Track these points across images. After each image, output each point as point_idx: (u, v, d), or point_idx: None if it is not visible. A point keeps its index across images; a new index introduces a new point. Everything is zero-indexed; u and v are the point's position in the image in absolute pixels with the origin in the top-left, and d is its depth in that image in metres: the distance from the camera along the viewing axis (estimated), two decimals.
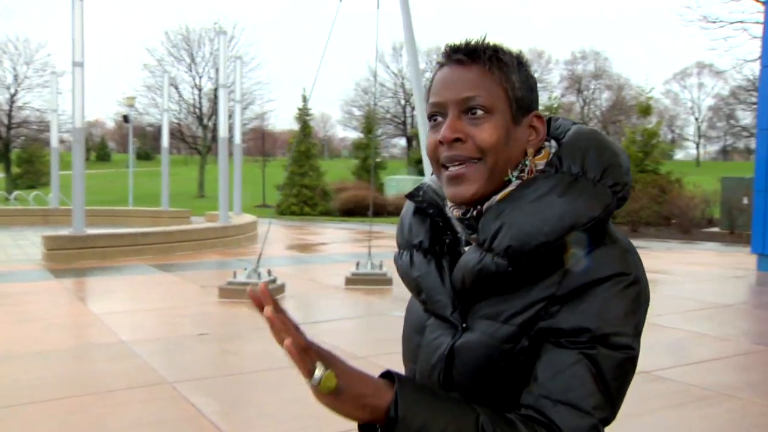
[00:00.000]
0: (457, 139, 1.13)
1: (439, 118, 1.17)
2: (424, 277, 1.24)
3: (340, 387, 0.97)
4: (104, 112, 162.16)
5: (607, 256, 1.08)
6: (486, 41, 1.18)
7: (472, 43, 1.17)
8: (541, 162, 1.17)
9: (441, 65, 1.19)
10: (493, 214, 1.12)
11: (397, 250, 1.34)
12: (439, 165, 1.18)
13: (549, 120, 1.25)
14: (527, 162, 1.16)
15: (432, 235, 1.27)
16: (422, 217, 1.29)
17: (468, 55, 1.15)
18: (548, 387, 1.06)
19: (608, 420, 1.07)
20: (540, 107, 1.22)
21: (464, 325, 1.17)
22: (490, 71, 1.14)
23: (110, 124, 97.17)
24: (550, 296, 1.08)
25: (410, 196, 1.32)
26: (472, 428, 1.01)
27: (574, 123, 1.23)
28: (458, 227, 1.24)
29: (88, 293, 9.89)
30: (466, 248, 1.22)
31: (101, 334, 7.04)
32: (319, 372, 0.96)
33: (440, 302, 1.21)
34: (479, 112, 1.13)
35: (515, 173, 1.15)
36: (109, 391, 5.13)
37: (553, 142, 1.20)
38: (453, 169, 1.15)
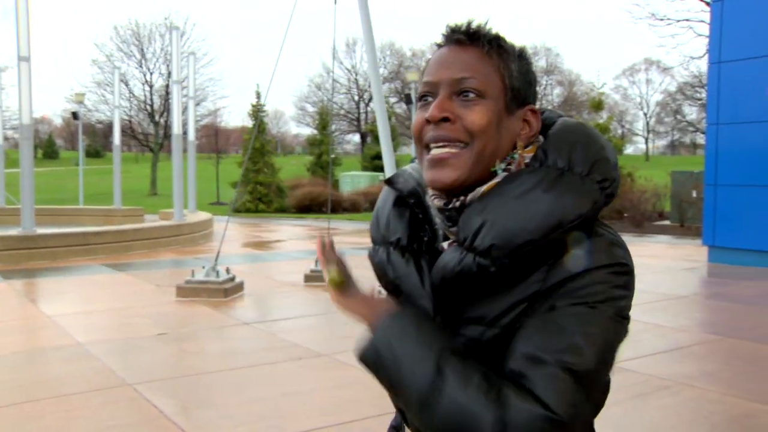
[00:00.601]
0: (445, 119, 1.08)
1: (430, 98, 1.12)
2: (404, 280, 1.18)
3: (346, 289, 1.20)
4: (51, 108, 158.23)
5: (595, 247, 1.04)
6: (488, 26, 1.13)
7: (474, 24, 1.12)
8: (528, 156, 1.12)
9: (439, 46, 1.15)
10: (475, 209, 1.06)
11: (372, 245, 1.27)
12: (422, 146, 1.13)
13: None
14: (516, 155, 1.11)
15: (410, 231, 1.20)
16: (401, 210, 1.22)
17: (468, 36, 1.11)
18: (534, 343, 1.01)
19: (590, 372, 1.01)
20: None
21: (448, 330, 1.10)
22: (488, 55, 1.10)
23: (58, 121, 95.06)
24: (534, 293, 1.04)
25: (389, 182, 1.25)
26: (429, 371, 1.00)
27: (560, 115, 1.18)
28: (437, 219, 1.18)
29: (40, 295, 9.64)
30: (445, 244, 1.16)
31: (56, 337, 6.86)
32: (332, 270, 1.21)
33: (422, 307, 1.14)
34: (471, 95, 1.08)
35: (502, 165, 1.10)
36: (67, 395, 5.00)
37: (540, 137, 1.15)
38: (436, 151, 1.09)
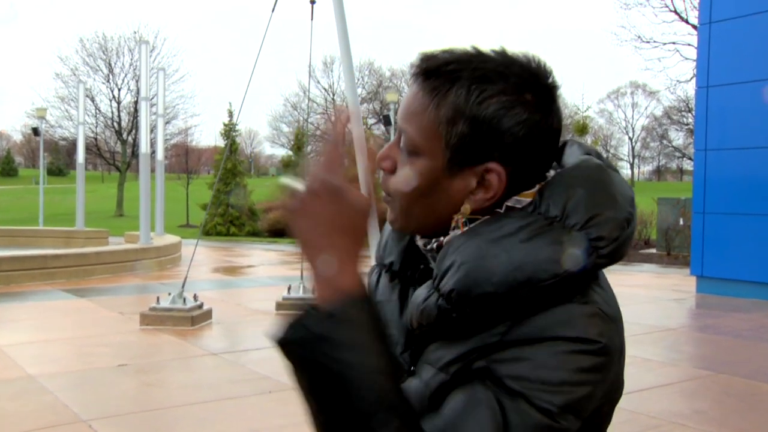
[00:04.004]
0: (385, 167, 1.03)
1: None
2: (384, 305, 1.11)
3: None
4: (10, 123, 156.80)
5: (569, 315, 0.92)
6: (457, 54, 0.97)
7: (440, 55, 0.98)
8: (525, 199, 0.99)
9: None
10: (451, 248, 0.98)
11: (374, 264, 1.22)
12: None
13: (564, 144, 1.07)
14: (457, 219, 1.00)
15: (405, 258, 1.14)
16: (401, 234, 1.16)
17: (425, 74, 0.98)
18: (444, 418, 0.91)
19: None
20: None
21: (412, 368, 1.04)
22: (431, 103, 0.96)
23: (17, 137, 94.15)
24: (491, 344, 0.94)
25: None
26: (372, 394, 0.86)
27: (588, 153, 1.04)
28: (428, 256, 1.11)
29: None
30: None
31: (4, 368, 6.65)
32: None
33: (392, 338, 1.03)
34: (405, 151, 1.00)
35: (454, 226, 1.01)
36: None
37: (552, 173, 1.03)
38: (384, 196, 1.05)
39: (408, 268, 1.14)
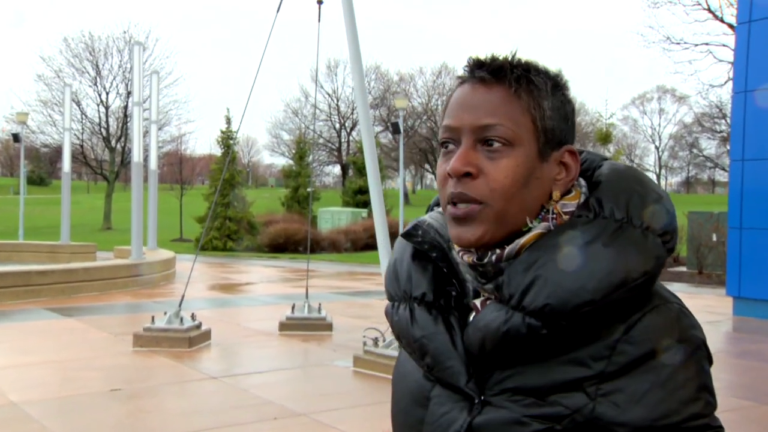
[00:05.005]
0: (468, 174, 1.08)
1: (451, 146, 1.12)
2: (431, 339, 1.15)
3: None
4: None
5: (663, 319, 1.04)
6: (516, 57, 1.12)
7: (500, 58, 1.11)
8: (571, 203, 1.11)
9: (461, 82, 1.14)
10: (522, 264, 1.06)
11: (389, 302, 1.25)
12: (445, 199, 1.12)
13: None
14: (550, 207, 1.11)
15: (436, 286, 1.19)
16: (423, 263, 1.21)
17: (492, 74, 1.10)
18: None
19: None
20: None
21: (482, 397, 1.09)
22: (516, 95, 1.09)
23: None
24: (599, 374, 1.02)
25: (407, 235, 1.23)
26: None
27: (604, 158, 1.18)
28: (468, 275, 1.17)
29: None
30: (476, 301, 1.16)
31: None
32: None
33: (452, 369, 1.12)
34: (497, 144, 1.08)
35: (535, 222, 1.10)
36: None
37: (581, 180, 1.15)
38: (461, 206, 1.09)
39: (440, 297, 1.18)
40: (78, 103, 49.94)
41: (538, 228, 1.09)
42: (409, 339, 1.18)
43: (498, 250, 1.10)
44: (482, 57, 1.12)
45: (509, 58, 1.12)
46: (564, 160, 1.12)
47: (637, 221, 1.05)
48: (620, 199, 1.07)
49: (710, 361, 1.07)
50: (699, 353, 1.05)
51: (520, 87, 1.09)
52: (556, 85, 1.13)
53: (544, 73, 1.12)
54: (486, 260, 1.11)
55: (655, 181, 1.13)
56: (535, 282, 1.03)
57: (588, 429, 1.02)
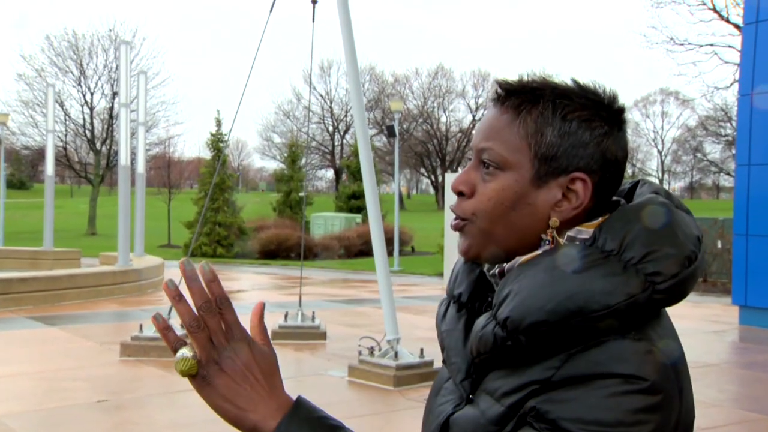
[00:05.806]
0: (462, 192, 1.17)
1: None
2: (449, 334, 1.27)
3: (205, 379, 1.04)
4: None
5: (622, 352, 1.01)
6: (535, 79, 1.16)
7: (516, 81, 1.16)
8: (587, 231, 1.12)
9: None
10: (511, 276, 1.12)
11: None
12: None
13: (636, 184, 1.22)
14: (546, 237, 1.13)
15: (474, 289, 1.27)
16: (473, 267, 1.30)
17: (503, 95, 1.16)
18: None
19: None
20: None
21: (470, 396, 1.17)
22: (518, 118, 1.13)
23: None
24: (545, 380, 1.05)
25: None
26: None
27: (657, 192, 1.16)
28: (495, 284, 1.24)
29: None
30: None
31: None
32: (182, 353, 1.02)
33: (455, 365, 1.23)
34: (491, 168, 1.14)
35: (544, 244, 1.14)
36: None
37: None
38: (454, 220, 1.19)
39: (476, 300, 1.27)
40: (61, 104, 49.83)
41: (541, 248, 1.13)
42: (438, 332, 1.31)
43: (504, 264, 1.17)
44: (507, 80, 1.17)
45: (528, 81, 1.15)
46: (572, 187, 1.12)
47: (628, 254, 1.04)
48: (618, 230, 1.06)
49: (663, 414, 1.00)
50: (642, 396, 0.98)
51: (523, 110, 1.13)
52: (584, 106, 1.12)
53: (577, 94, 1.13)
54: (492, 272, 1.20)
55: (688, 223, 1.09)
56: (509, 295, 1.08)
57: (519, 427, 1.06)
